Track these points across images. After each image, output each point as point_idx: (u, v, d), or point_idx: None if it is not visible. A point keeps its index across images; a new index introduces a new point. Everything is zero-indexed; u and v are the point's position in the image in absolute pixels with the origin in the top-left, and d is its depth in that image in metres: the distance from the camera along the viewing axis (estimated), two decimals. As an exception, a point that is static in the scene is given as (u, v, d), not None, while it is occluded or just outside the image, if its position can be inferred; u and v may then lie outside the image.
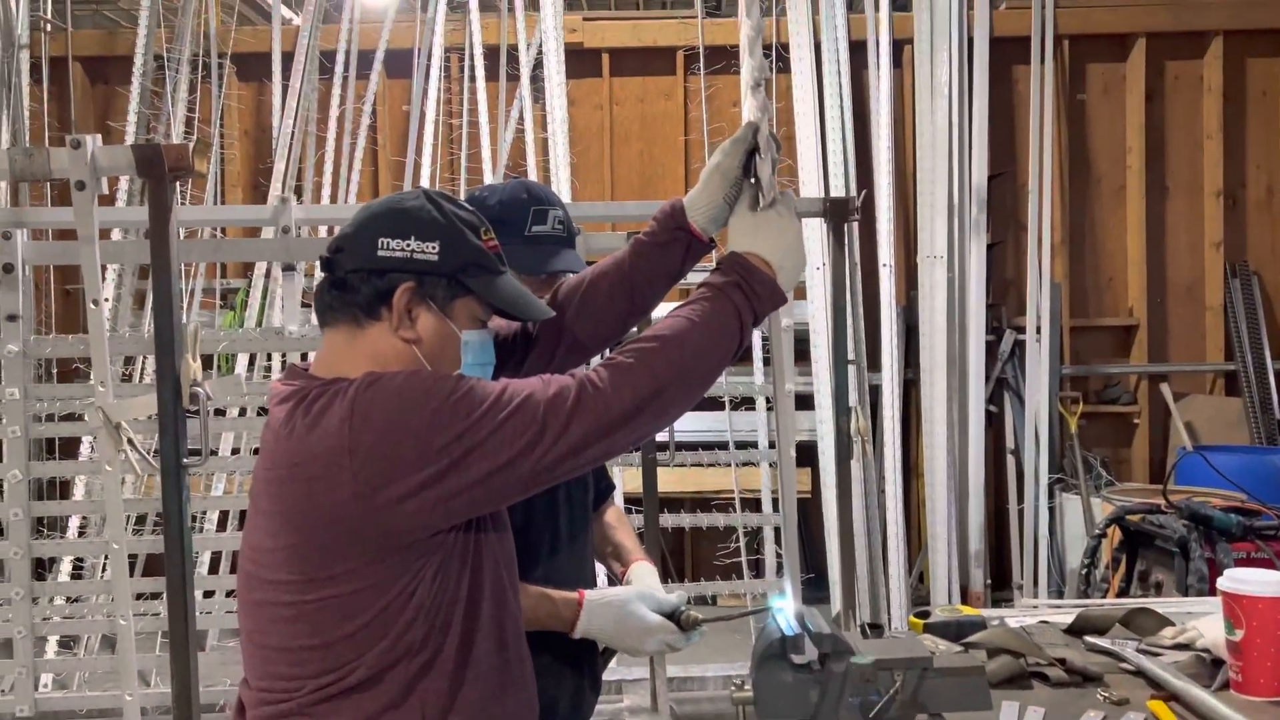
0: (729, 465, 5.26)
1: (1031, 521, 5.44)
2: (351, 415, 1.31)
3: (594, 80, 6.07)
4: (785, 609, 1.51)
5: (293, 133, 5.50)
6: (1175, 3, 6.03)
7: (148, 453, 2.41)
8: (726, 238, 1.55)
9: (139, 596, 3.19)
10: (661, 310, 1.75)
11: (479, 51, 5.65)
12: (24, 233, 3.04)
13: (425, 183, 5.52)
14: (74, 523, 4.84)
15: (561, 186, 5.31)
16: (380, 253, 1.39)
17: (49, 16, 5.80)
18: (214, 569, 4.86)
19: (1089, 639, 1.86)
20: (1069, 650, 1.78)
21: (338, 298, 1.42)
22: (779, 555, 5.11)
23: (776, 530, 5.16)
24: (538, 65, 5.57)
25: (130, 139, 5.34)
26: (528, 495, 1.37)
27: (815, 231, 4.96)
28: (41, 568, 4.69)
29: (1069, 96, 6.04)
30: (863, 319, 5.49)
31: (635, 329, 1.75)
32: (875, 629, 1.70)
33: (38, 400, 3.13)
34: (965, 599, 5.31)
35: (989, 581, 5.47)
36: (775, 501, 5.25)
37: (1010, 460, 5.72)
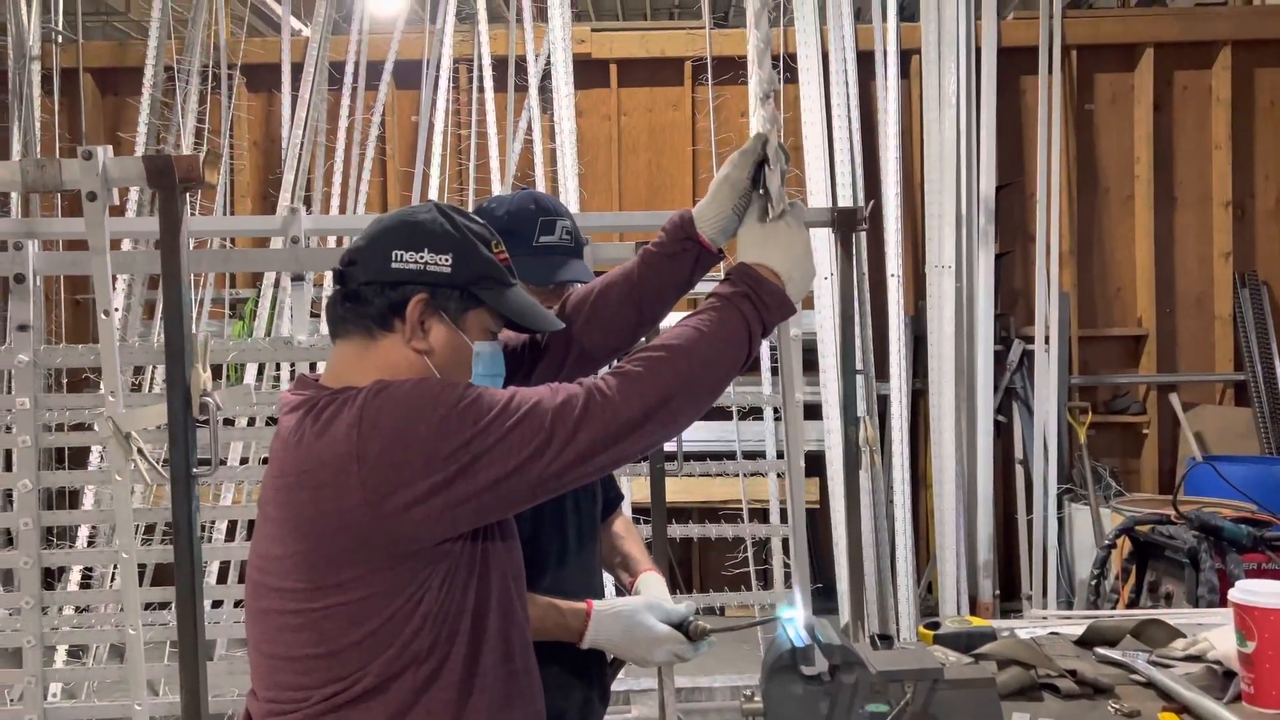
0: (737, 475, 5.26)
1: (1040, 532, 5.42)
2: (360, 422, 1.31)
3: (602, 91, 6.09)
4: (795, 620, 1.50)
5: (302, 143, 5.52)
6: (1183, 13, 6.04)
7: (157, 462, 2.42)
8: (735, 248, 1.55)
9: (147, 606, 3.19)
10: (671, 319, 1.75)
11: (487, 62, 5.67)
12: (35, 243, 3.05)
13: (434, 193, 5.54)
14: (83, 532, 4.85)
15: (569, 197, 5.32)
16: (394, 265, 1.40)
17: (60, 28, 5.84)
18: (222, 578, 4.86)
19: (1100, 650, 1.86)
20: (1079, 662, 1.78)
21: (351, 310, 1.43)
22: (787, 566, 5.10)
23: (784, 541, 5.16)
24: (546, 76, 5.59)
25: (140, 150, 5.36)
26: (535, 503, 1.37)
27: (823, 242, 4.96)
28: (50, 577, 4.70)
29: (1077, 107, 6.04)
30: (871, 329, 5.48)
31: (644, 339, 1.75)
32: (885, 640, 1.69)
33: (48, 410, 3.14)
34: (974, 609, 5.29)
35: (998, 592, 5.45)
36: (783, 512, 5.24)
37: (1019, 470, 5.71)
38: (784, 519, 5.20)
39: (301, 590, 1.34)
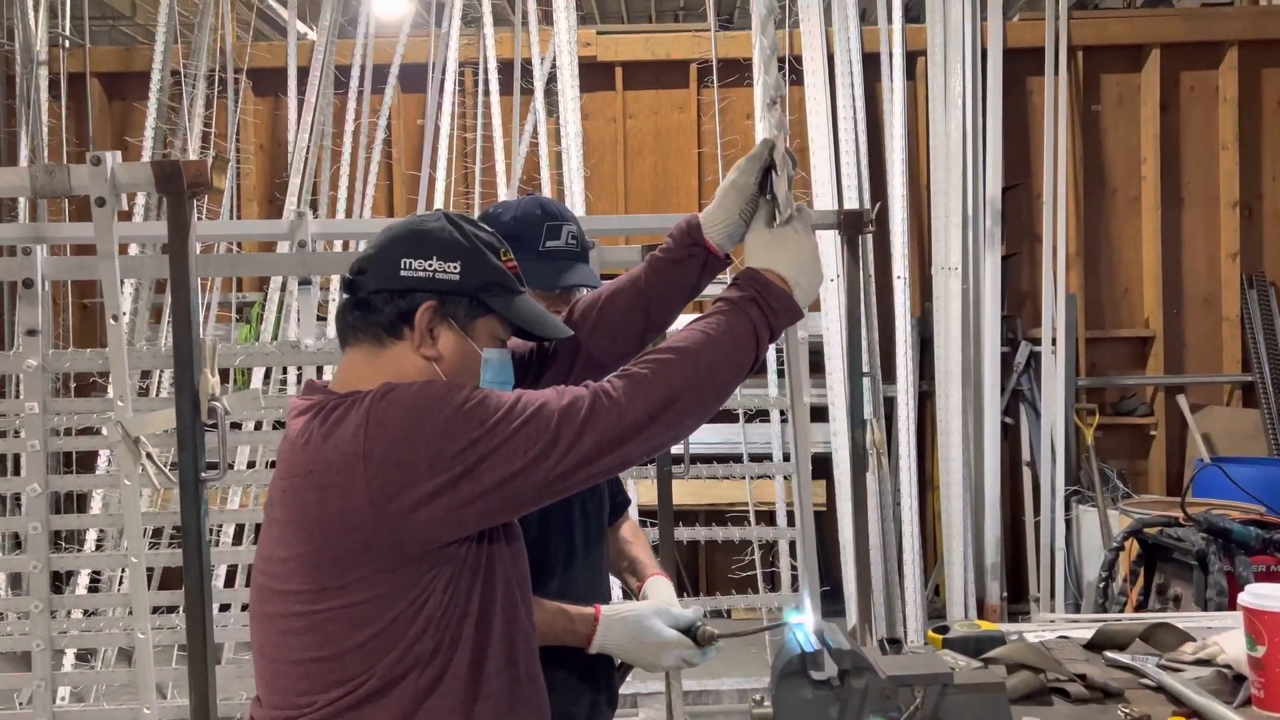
0: (743, 478, 5.25)
1: (1048, 534, 5.41)
2: (367, 422, 1.32)
3: (607, 93, 6.09)
4: (804, 625, 1.50)
5: (308, 147, 5.53)
6: (1190, 13, 6.02)
7: (165, 466, 2.42)
8: (743, 253, 1.55)
9: (155, 610, 3.20)
10: (681, 322, 1.75)
11: (493, 65, 5.68)
12: (43, 248, 3.06)
13: (440, 196, 5.55)
14: (91, 536, 4.86)
15: (575, 200, 5.32)
16: (403, 273, 1.41)
17: (67, 33, 5.86)
18: (230, 582, 4.87)
19: (1109, 654, 1.85)
20: (1089, 666, 1.77)
21: (360, 318, 1.44)
22: (794, 568, 5.10)
23: (791, 543, 5.15)
24: (551, 79, 5.60)
25: (147, 154, 5.38)
26: (541, 505, 1.37)
27: (830, 244, 4.96)
28: (58, 581, 4.72)
29: (1083, 107, 6.03)
30: (877, 331, 5.48)
31: (651, 344, 1.75)
32: (894, 644, 1.69)
33: (56, 414, 3.15)
34: (981, 612, 5.28)
35: (1005, 594, 5.44)
36: (790, 514, 5.24)
37: (1026, 472, 5.69)
38: (790, 521, 5.20)
39: (305, 592, 1.35)
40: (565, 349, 1.67)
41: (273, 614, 1.39)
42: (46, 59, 5.72)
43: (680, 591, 1.90)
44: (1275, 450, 5.65)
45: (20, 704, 3.94)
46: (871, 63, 5.58)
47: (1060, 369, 5.49)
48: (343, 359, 1.47)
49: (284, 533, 1.37)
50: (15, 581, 5.12)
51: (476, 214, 1.75)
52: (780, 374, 5.33)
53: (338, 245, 4.88)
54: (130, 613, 3.21)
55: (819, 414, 5.26)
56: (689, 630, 1.66)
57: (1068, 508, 5.46)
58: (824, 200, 5.34)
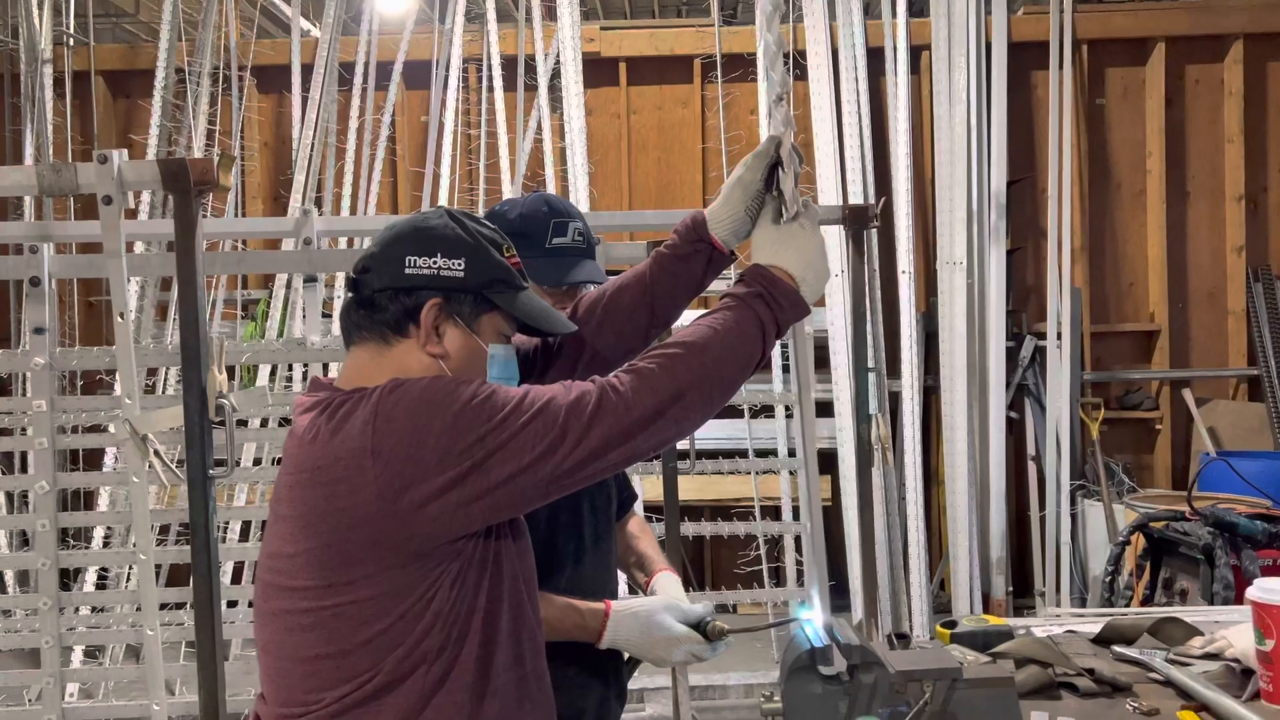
0: (749, 473, 5.26)
1: (1053, 528, 5.41)
2: (375, 418, 1.32)
3: (611, 89, 6.09)
4: (813, 620, 1.51)
5: (312, 144, 5.53)
6: (1195, 6, 6.01)
7: (173, 463, 2.43)
8: (748, 249, 1.55)
9: (163, 606, 3.21)
10: (687, 318, 1.75)
11: (497, 62, 5.67)
12: (49, 246, 3.07)
13: (444, 193, 5.55)
14: (98, 533, 4.87)
15: (580, 196, 5.33)
16: (408, 271, 1.41)
17: (71, 31, 5.87)
18: (237, 579, 4.88)
19: (1117, 648, 1.85)
20: (1097, 660, 1.77)
21: (365, 316, 1.44)
22: (799, 563, 5.10)
23: (797, 538, 5.16)
24: (555, 75, 5.59)
25: (152, 152, 5.38)
26: (549, 500, 1.37)
27: (834, 239, 4.96)
28: (66, 577, 4.73)
29: (1088, 101, 6.02)
30: (882, 326, 5.47)
31: (657, 340, 1.75)
32: (902, 639, 1.70)
33: (63, 412, 3.16)
34: (987, 606, 5.29)
35: (1010, 589, 5.44)
36: (796, 509, 5.24)
37: (1031, 467, 5.69)
38: (796, 516, 5.20)
39: (312, 589, 1.34)
40: (570, 345, 1.67)
41: (278, 610, 1.39)
42: (51, 57, 5.72)
43: (686, 587, 1.91)
44: (1281, 444, 5.64)
45: (29, 700, 3.95)
46: (876, 57, 5.57)
47: (1065, 363, 5.49)
48: (348, 357, 1.47)
49: (291, 529, 1.37)
50: (23, 579, 5.14)
51: (481, 211, 1.76)
52: (785, 369, 5.33)
53: (342, 242, 4.89)
54: (138, 609, 3.22)
55: (824, 409, 5.25)
56: (699, 625, 1.67)
57: (1073, 502, 5.46)
58: (828, 195, 5.34)
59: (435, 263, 1.42)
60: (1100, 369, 6.02)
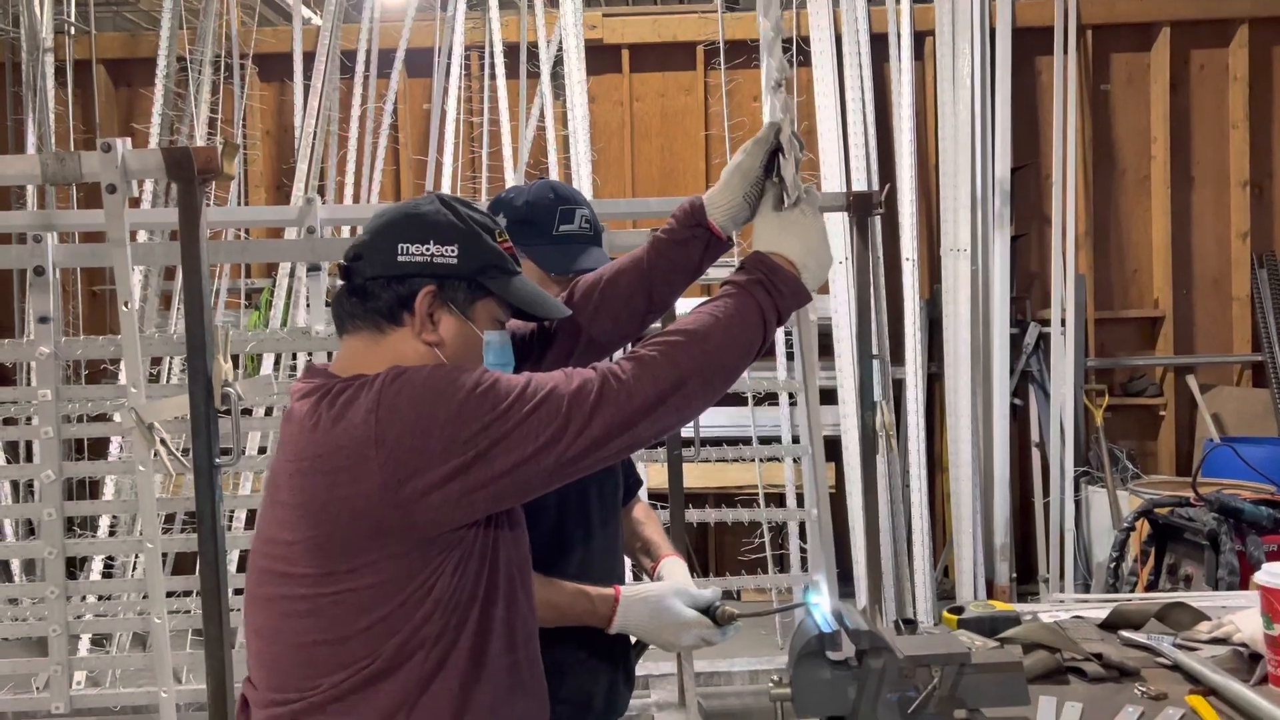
0: (753, 461, 5.26)
1: (1057, 515, 5.41)
2: (378, 407, 1.31)
3: (614, 76, 6.07)
4: (821, 605, 1.51)
5: (315, 132, 5.52)
6: (1200, -9, 5.98)
7: (178, 452, 2.43)
8: (747, 235, 1.55)
9: (169, 595, 3.22)
10: (686, 306, 1.75)
11: (499, 49, 5.66)
12: (53, 235, 3.07)
13: (447, 181, 5.54)
14: (103, 522, 4.89)
15: (583, 183, 5.32)
16: (400, 258, 1.40)
17: (72, 20, 5.85)
18: (242, 567, 4.88)
19: (1124, 634, 1.86)
20: (1104, 645, 1.78)
21: (358, 305, 1.43)
22: (803, 550, 5.11)
23: (801, 525, 5.17)
24: (558, 62, 5.58)
25: (154, 141, 5.38)
26: (551, 488, 1.37)
27: (839, 226, 4.95)
28: (72, 566, 4.75)
29: (1092, 87, 6.00)
30: (886, 313, 5.46)
31: (655, 326, 1.75)
32: (909, 624, 1.70)
33: (68, 401, 3.16)
34: (990, 593, 5.29)
35: (1014, 575, 5.45)
36: (800, 496, 5.25)
37: (1035, 453, 5.69)
38: (800, 503, 5.21)
39: (312, 576, 1.34)
40: (566, 330, 1.67)
41: (274, 596, 1.38)
42: (52, 45, 5.71)
43: (690, 573, 1.91)
44: (1285, 430, 5.64)
45: (37, 689, 3.97)
46: (879, 43, 5.55)
47: (1069, 350, 5.48)
48: (342, 345, 1.46)
49: (291, 516, 1.36)
50: (29, 567, 5.16)
51: (484, 198, 1.74)
52: (789, 357, 5.33)
53: (345, 231, 4.88)
54: (145, 598, 3.23)
55: (828, 396, 5.26)
56: (708, 610, 1.67)
57: (1077, 489, 5.46)
58: (832, 182, 5.32)
59: (428, 249, 1.40)
60: (1104, 355, 6.02)
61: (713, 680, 4.23)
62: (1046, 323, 5.62)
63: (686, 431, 3.45)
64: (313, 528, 1.34)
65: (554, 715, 1.67)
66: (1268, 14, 5.93)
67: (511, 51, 5.73)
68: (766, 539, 5.26)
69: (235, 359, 4.55)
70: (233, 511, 4.66)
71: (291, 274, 5.31)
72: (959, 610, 1.85)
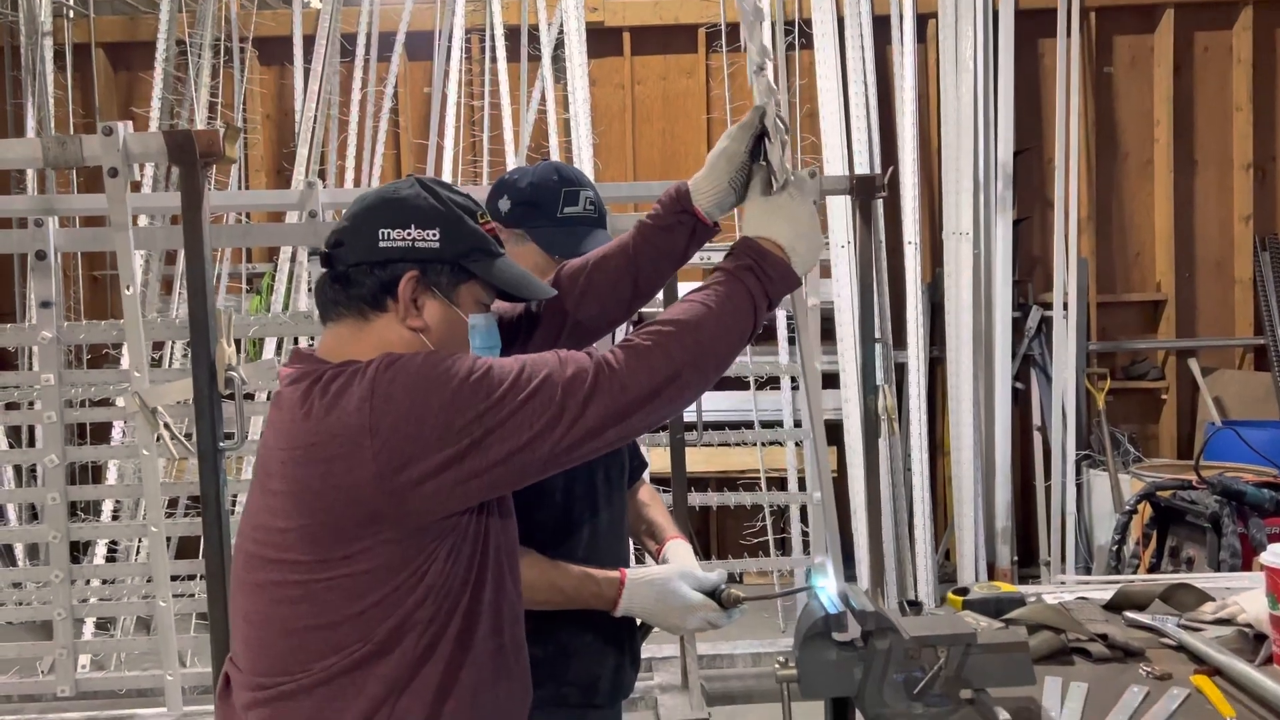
0: (755, 444, 5.27)
1: (1058, 498, 5.42)
2: (372, 395, 1.30)
3: (615, 59, 6.04)
4: (827, 587, 1.51)
5: (315, 116, 5.51)
6: (1204, -28, 5.95)
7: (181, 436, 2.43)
8: (734, 221, 1.54)
9: (173, 579, 3.23)
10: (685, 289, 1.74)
11: (500, 32, 5.63)
12: (54, 220, 3.06)
13: (448, 164, 5.52)
14: (106, 507, 4.89)
15: (584, 167, 5.30)
16: (381, 244, 1.39)
17: (71, 3, 5.82)
18: (245, 551, 4.90)
19: (1129, 614, 1.86)
20: (1109, 626, 1.78)
21: (341, 292, 1.41)
22: (805, 533, 5.12)
23: (803, 508, 5.17)
24: (559, 45, 5.55)
25: (154, 125, 5.36)
26: (546, 476, 1.37)
27: (841, 209, 4.94)
28: (74, 551, 4.76)
29: (1095, 69, 5.98)
30: (888, 297, 5.46)
31: (641, 311, 1.74)
32: (914, 606, 1.70)
33: (71, 386, 3.16)
34: (991, 576, 5.31)
35: (1015, 559, 5.46)
36: (801, 480, 5.26)
37: (1037, 437, 5.70)
38: (801, 487, 5.22)
39: (304, 562, 1.33)
40: (552, 314, 1.66)
41: (264, 582, 1.37)
42: (51, 29, 5.69)
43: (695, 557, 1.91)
44: (1287, 413, 5.64)
45: (42, 672, 3.98)
46: (882, 25, 5.53)
47: (1071, 334, 5.48)
48: (326, 332, 1.44)
49: (283, 504, 1.35)
50: (33, 552, 5.17)
51: (486, 182, 1.73)
52: (791, 341, 5.33)
53: (347, 215, 4.87)
54: (149, 581, 3.24)
55: (829, 381, 5.26)
56: (713, 593, 1.67)
57: (1078, 472, 5.47)
58: (834, 165, 5.31)
59: (410, 234, 1.39)
60: (1106, 339, 6.01)
61: (715, 663, 4.24)
62: (1048, 306, 5.62)
63: (689, 415, 3.45)
64: (306, 515, 1.33)
65: (561, 697, 1.68)
66: (1272, -5, 5.91)
67: (512, 34, 5.71)
68: (768, 522, 5.27)
69: (237, 344, 4.56)
70: (236, 495, 4.66)
71: (293, 259, 5.30)
72: (964, 591, 1.85)
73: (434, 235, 1.39)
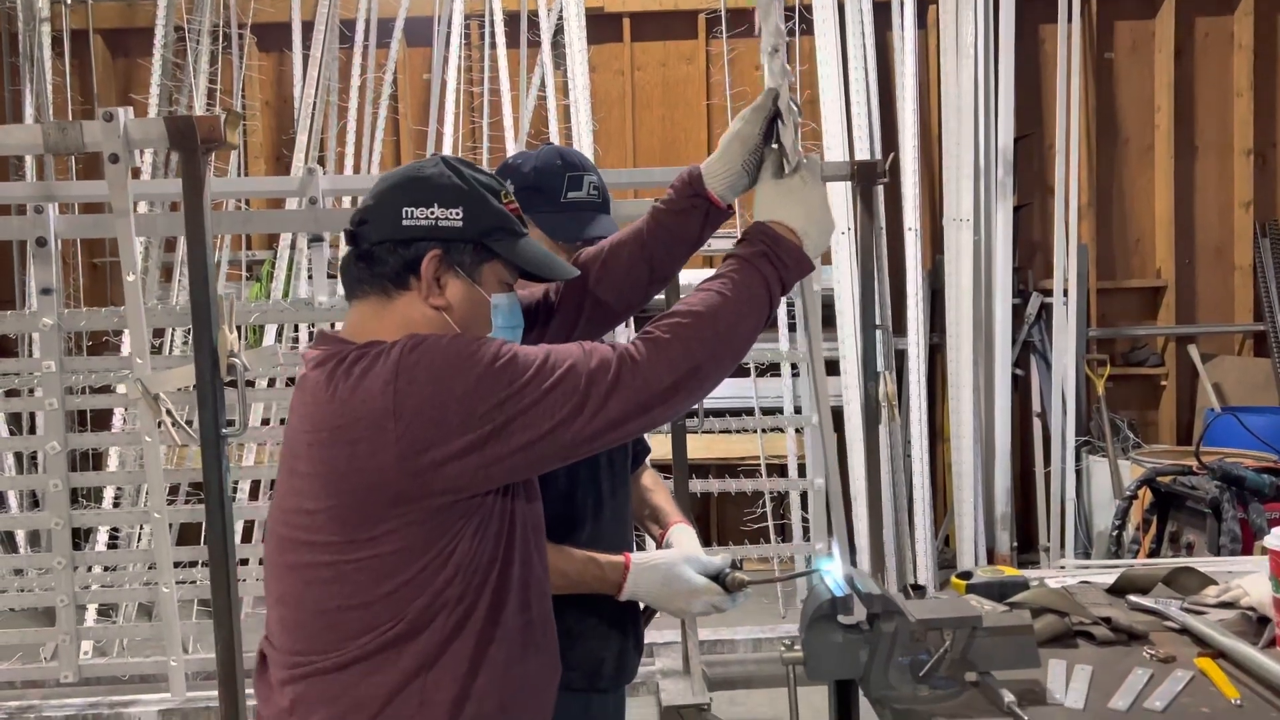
0: (755, 431, 5.27)
1: (1058, 484, 5.43)
2: (396, 378, 1.31)
3: (615, 45, 6.02)
4: (833, 570, 1.52)
5: (314, 103, 5.49)
6: (1205, -43, 5.93)
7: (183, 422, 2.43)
8: (747, 204, 1.54)
9: (175, 565, 3.22)
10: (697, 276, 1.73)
11: (499, 18, 5.61)
12: (54, 206, 3.05)
13: (447, 150, 5.51)
14: (108, 493, 4.89)
15: (584, 153, 5.28)
16: (405, 222, 1.40)
17: (69, -11, 5.80)
18: (247, 538, 4.91)
19: (1132, 598, 1.87)
20: (1113, 609, 1.79)
21: (365, 270, 1.42)
22: (805, 519, 5.13)
23: (803, 495, 5.18)
24: (558, 31, 5.53)
25: (153, 111, 5.34)
26: (567, 463, 1.38)
27: (841, 195, 4.93)
28: (78, 537, 4.77)
29: (1096, 55, 5.96)
30: (888, 283, 5.46)
31: (660, 295, 1.74)
32: (918, 590, 1.71)
33: (72, 373, 3.15)
34: (991, 562, 5.32)
35: (1015, 544, 5.47)
36: (801, 466, 5.26)
37: (1037, 423, 5.71)
38: (802, 473, 5.22)
39: (334, 544, 1.35)
40: (570, 301, 1.66)
41: (296, 564, 1.40)
42: (49, 15, 5.66)
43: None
44: (1287, 399, 5.65)
45: (45, 658, 3.99)
46: (882, 11, 5.51)
47: (1071, 320, 5.48)
48: (351, 311, 1.46)
49: (311, 486, 1.37)
50: (34, 538, 5.17)
51: (486, 168, 1.72)
52: (791, 328, 5.32)
53: (347, 201, 4.86)
54: (151, 568, 3.24)
55: (830, 367, 5.25)
56: (718, 577, 1.68)
57: (1078, 458, 5.48)
58: (835, 151, 5.30)
59: (433, 212, 1.40)
60: (1106, 325, 6.02)
61: (716, 648, 4.25)
62: (1048, 293, 5.62)
63: (690, 401, 3.45)
64: (333, 497, 1.35)
65: (564, 681, 1.69)
66: (1273, -19, 5.89)
67: (512, 20, 5.69)
68: (769, 509, 5.27)
69: (238, 330, 4.56)
70: (237, 482, 4.67)
71: (293, 245, 5.29)
72: (967, 575, 1.86)
73: (457, 214, 1.40)
